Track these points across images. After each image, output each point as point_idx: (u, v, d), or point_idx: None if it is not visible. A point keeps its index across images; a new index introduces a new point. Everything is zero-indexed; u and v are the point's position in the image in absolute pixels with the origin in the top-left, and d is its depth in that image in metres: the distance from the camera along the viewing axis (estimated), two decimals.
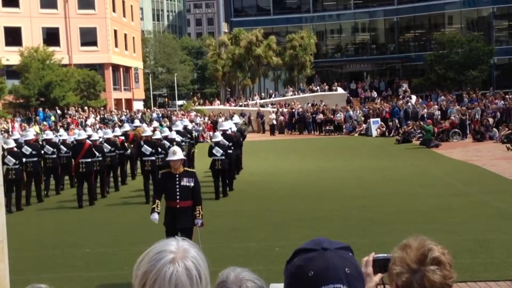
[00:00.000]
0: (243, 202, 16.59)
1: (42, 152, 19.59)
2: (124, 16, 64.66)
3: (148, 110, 54.08)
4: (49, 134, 21.32)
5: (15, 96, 50.82)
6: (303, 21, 64.43)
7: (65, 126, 40.99)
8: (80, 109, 49.80)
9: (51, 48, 52.63)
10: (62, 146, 20.62)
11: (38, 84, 49.41)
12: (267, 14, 64.93)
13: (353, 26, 64.69)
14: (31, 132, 21.59)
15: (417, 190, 17.16)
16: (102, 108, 52.54)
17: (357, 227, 12.36)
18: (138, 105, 63.92)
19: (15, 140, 19.01)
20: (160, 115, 48.31)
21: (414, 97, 48.07)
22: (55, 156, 20.13)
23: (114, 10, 61.08)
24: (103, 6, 58.41)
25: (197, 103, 56.47)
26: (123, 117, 47.13)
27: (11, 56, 51.42)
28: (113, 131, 23.15)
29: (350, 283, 1.78)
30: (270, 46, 57.47)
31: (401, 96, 50.47)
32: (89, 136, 19.49)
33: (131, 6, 67.84)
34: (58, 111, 48.40)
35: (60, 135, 22.31)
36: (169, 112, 53.28)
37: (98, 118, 46.69)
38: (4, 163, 16.57)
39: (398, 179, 19.92)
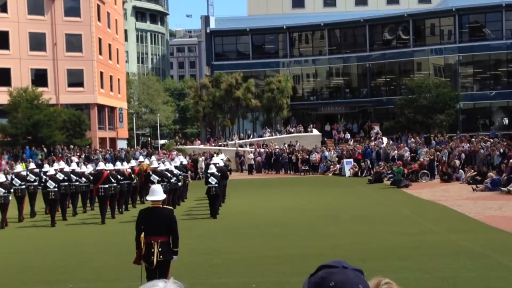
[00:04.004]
0: (221, 239, 17.07)
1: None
2: (110, 58, 65.92)
3: (132, 149, 55.64)
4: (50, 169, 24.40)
5: (2, 135, 51.48)
6: (281, 65, 65.70)
7: (51, 163, 42.47)
8: (65, 147, 51.30)
9: (39, 89, 53.30)
10: (82, 178, 23.91)
11: (26, 123, 50.17)
12: (247, 58, 66.12)
13: (328, 71, 65.78)
14: (62, 163, 24.82)
15: (388, 228, 17.52)
16: (87, 147, 54.07)
17: None
18: (122, 144, 64.86)
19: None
20: (144, 153, 49.85)
21: (385, 139, 49.41)
22: (77, 183, 23.52)
23: (100, 53, 62.37)
24: (90, 49, 59.74)
25: (178, 143, 57.99)
26: (107, 156, 48.89)
27: (0, 96, 52.72)
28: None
29: None
30: (249, 88, 58.62)
31: (373, 138, 51.77)
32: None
33: (117, 49, 69.26)
34: (45, 149, 49.85)
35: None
36: (152, 151, 55.07)
37: (83, 156, 48.21)
38: (46, 187, 20.74)
39: (370, 217, 20.29)
